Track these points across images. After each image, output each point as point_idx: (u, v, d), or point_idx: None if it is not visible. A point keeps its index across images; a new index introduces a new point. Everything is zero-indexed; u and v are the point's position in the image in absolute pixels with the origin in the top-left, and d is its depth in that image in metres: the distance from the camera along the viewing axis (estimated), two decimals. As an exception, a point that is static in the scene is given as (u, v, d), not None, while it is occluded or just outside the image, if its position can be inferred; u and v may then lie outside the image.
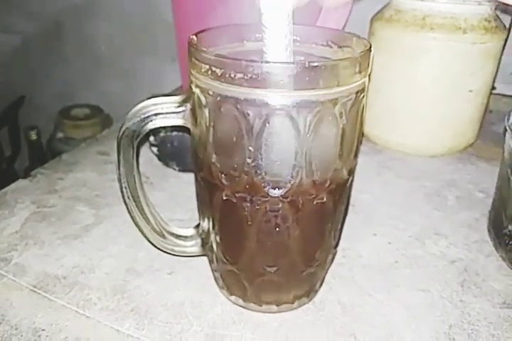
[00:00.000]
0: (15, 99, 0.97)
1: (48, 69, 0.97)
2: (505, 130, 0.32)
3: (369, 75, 0.23)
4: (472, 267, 0.32)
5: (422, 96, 0.43)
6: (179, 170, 0.42)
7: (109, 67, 0.90)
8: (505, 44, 0.43)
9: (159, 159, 0.42)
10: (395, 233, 0.35)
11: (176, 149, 0.40)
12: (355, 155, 0.25)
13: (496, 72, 0.44)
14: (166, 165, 0.42)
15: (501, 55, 0.43)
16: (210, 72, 0.20)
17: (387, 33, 0.42)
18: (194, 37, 0.23)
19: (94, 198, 0.39)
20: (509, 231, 0.30)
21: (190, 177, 0.42)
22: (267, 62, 0.19)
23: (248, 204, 0.23)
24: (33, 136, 0.83)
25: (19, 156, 0.98)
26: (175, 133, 0.39)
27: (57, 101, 0.93)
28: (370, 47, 0.22)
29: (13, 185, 0.40)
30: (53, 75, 0.96)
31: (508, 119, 0.32)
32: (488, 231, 0.34)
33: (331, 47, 0.26)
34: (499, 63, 0.44)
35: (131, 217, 0.27)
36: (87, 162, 0.44)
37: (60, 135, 0.85)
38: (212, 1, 0.43)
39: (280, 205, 0.23)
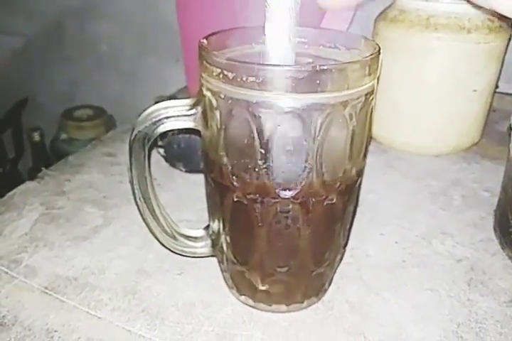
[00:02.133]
0: (17, 100, 0.97)
1: (50, 70, 0.97)
2: (510, 129, 0.32)
3: (378, 77, 0.23)
4: (478, 266, 0.32)
5: (427, 96, 0.43)
6: (186, 171, 0.42)
7: (111, 68, 0.90)
8: (508, 43, 0.43)
9: (166, 160, 0.43)
10: (402, 232, 0.36)
11: (183, 150, 0.40)
12: (364, 156, 0.25)
13: (500, 71, 0.44)
14: (173, 166, 0.43)
15: (505, 54, 0.43)
16: (221, 75, 0.21)
17: (392, 33, 0.43)
18: (205, 40, 0.23)
19: (102, 199, 0.39)
20: (515, 230, 0.30)
21: (197, 178, 0.42)
22: (279, 65, 0.20)
23: (259, 206, 0.23)
24: (37, 138, 0.83)
25: (23, 158, 0.98)
26: (181, 134, 0.39)
27: (60, 102, 0.93)
28: (379, 49, 0.22)
29: (21, 187, 0.40)
30: (56, 76, 0.96)
31: (513, 119, 0.32)
32: (494, 230, 0.35)
33: (339, 49, 0.26)
34: (503, 62, 0.44)
35: (143, 218, 0.27)
36: (93, 164, 0.45)
37: (63, 136, 0.85)
38: (216, 3, 0.43)
39: (291, 206, 0.23)
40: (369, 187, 0.40)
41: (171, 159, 0.42)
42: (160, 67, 0.85)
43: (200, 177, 0.42)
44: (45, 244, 0.34)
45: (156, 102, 0.46)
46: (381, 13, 0.45)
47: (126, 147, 0.51)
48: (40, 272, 0.31)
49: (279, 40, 0.22)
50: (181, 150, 0.41)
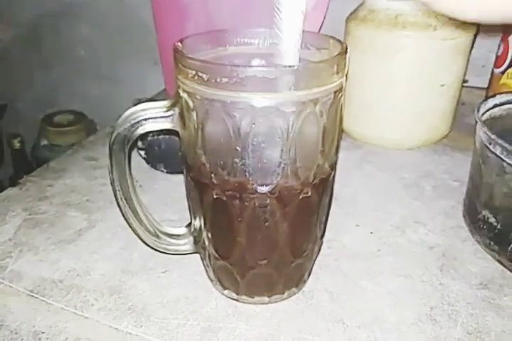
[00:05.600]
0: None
1: (28, 76, 0.96)
2: (476, 122, 0.34)
3: (346, 75, 0.24)
4: (450, 252, 0.34)
5: (397, 92, 0.45)
6: (167, 172, 0.43)
7: (90, 72, 0.90)
8: (475, 38, 0.45)
9: (147, 162, 0.43)
10: (377, 223, 0.37)
11: (164, 152, 0.41)
12: (337, 151, 0.26)
13: (467, 65, 0.46)
14: (154, 167, 0.43)
15: (471, 49, 0.45)
16: (196, 77, 0.22)
17: (362, 32, 0.44)
18: (179, 43, 0.24)
19: (85, 203, 0.40)
20: (483, 216, 0.32)
21: (178, 178, 0.43)
22: (250, 66, 0.21)
23: (238, 202, 0.24)
24: (17, 144, 0.82)
25: (3, 165, 0.97)
26: (161, 136, 0.40)
27: (40, 108, 0.92)
28: (346, 48, 0.23)
29: (2, 194, 0.40)
30: (34, 82, 0.95)
31: (477, 111, 0.34)
32: (464, 217, 0.36)
33: (309, 49, 0.27)
34: (469, 57, 0.46)
35: (125, 219, 0.28)
36: (75, 168, 0.45)
37: (44, 142, 0.84)
38: (192, 5, 0.44)
39: (268, 201, 0.24)
40: (345, 180, 0.41)
41: (152, 161, 0.43)
42: (139, 70, 0.85)
43: (181, 178, 0.43)
44: (29, 248, 0.34)
45: (135, 105, 0.47)
46: (351, 13, 0.47)
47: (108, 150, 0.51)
48: (25, 276, 0.32)
49: (290, 40, 0.23)
50: (162, 152, 0.41)
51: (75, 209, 0.39)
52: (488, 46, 0.57)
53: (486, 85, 0.53)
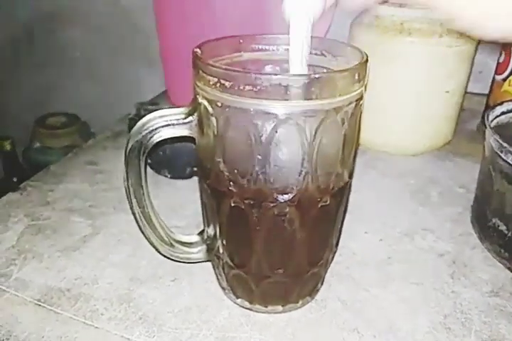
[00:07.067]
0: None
1: (21, 77, 0.95)
2: (485, 128, 0.34)
3: (365, 84, 0.24)
4: (460, 259, 0.34)
5: (402, 97, 0.45)
6: (171, 177, 0.43)
7: (83, 74, 0.88)
8: (477, 46, 0.45)
9: (151, 167, 0.43)
10: (385, 230, 0.37)
11: (168, 157, 0.41)
12: (354, 159, 0.26)
13: (470, 72, 0.47)
14: (158, 172, 0.43)
15: (474, 56, 0.46)
16: (218, 84, 0.21)
17: (367, 38, 0.44)
18: (198, 50, 0.23)
19: (88, 209, 0.39)
20: (493, 224, 0.32)
21: (182, 184, 0.43)
22: (275, 74, 0.20)
23: (256, 210, 0.24)
24: (8, 147, 0.81)
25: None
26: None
27: (32, 110, 0.90)
28: (367, 57, 0.23)
29: (3, 199, 0.39)
30: (27, 84, 0.94)
31: (487, 119, 0.34)
32: (472, 224, 0.36)
33: (325, 56, 0.27)
34: (473, 64, 0.46)
35: (139, 227, 0.27)
36: (76, 172, 0.44)
37: (36, 145, 0.83)
38: (195, 7, 0.44)
39: (287, 209, 0.24)
40: (352, 186, 0.41)
41: (156, 166, 0.42)
42: (133, 72, 0.84)
43: (185, 183, 0.42)
44: (33, 255, 0.33)
45: (138, 109, 0.46)
46: (356, 18, 0.47)
47: (109, 155, 0.51)
48: (31, 284, 0.31)
49: (296, 49, 0.23)
50: (166, 157, 0.41)
51: (78, 214, 0.38)
52: (485, 52, 0.57)
53: (483, 91, 0.54)
